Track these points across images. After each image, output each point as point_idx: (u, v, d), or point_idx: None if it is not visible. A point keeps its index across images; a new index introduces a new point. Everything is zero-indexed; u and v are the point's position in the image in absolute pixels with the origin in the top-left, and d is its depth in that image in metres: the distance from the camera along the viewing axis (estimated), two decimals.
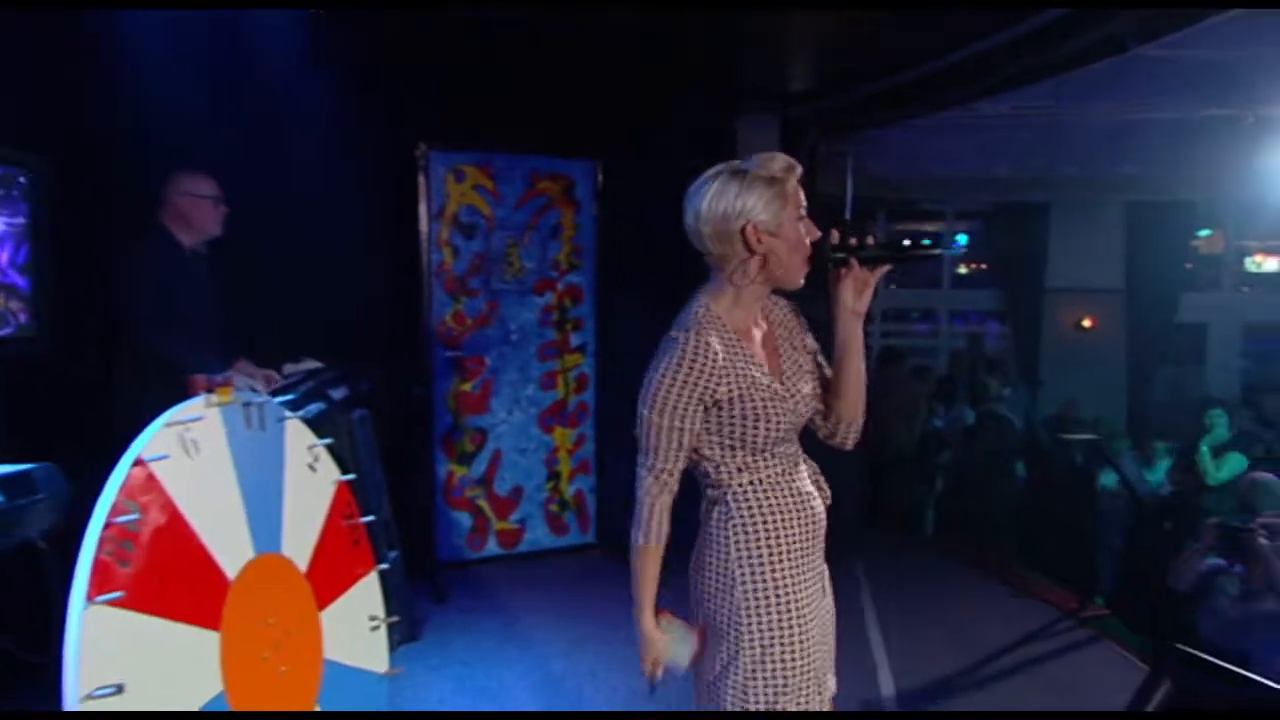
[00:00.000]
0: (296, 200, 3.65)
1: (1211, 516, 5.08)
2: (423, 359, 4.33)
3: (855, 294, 1.82)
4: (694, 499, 1.91)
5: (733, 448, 1.78)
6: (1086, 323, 8.23)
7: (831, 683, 1.90)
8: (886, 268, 1.83)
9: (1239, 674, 2.80)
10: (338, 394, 3.32)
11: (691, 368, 1.76)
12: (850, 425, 1.91)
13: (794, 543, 1.83)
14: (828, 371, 1.92)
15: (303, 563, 2.34)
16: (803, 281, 1.80)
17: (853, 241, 1.81)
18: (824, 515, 1.87)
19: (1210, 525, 3.79)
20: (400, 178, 4.24)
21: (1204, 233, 7.80)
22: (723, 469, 1.80)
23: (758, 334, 1.86)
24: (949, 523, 5.63)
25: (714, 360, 1.77)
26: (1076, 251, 7.94)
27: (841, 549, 1.84)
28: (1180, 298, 8.01)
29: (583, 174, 4.64)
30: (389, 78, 4.00)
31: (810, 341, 1.94)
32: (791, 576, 1.81)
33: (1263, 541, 3.62)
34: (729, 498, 1.80)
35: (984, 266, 8.95)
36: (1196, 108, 5.04)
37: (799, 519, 1.83)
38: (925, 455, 6.06)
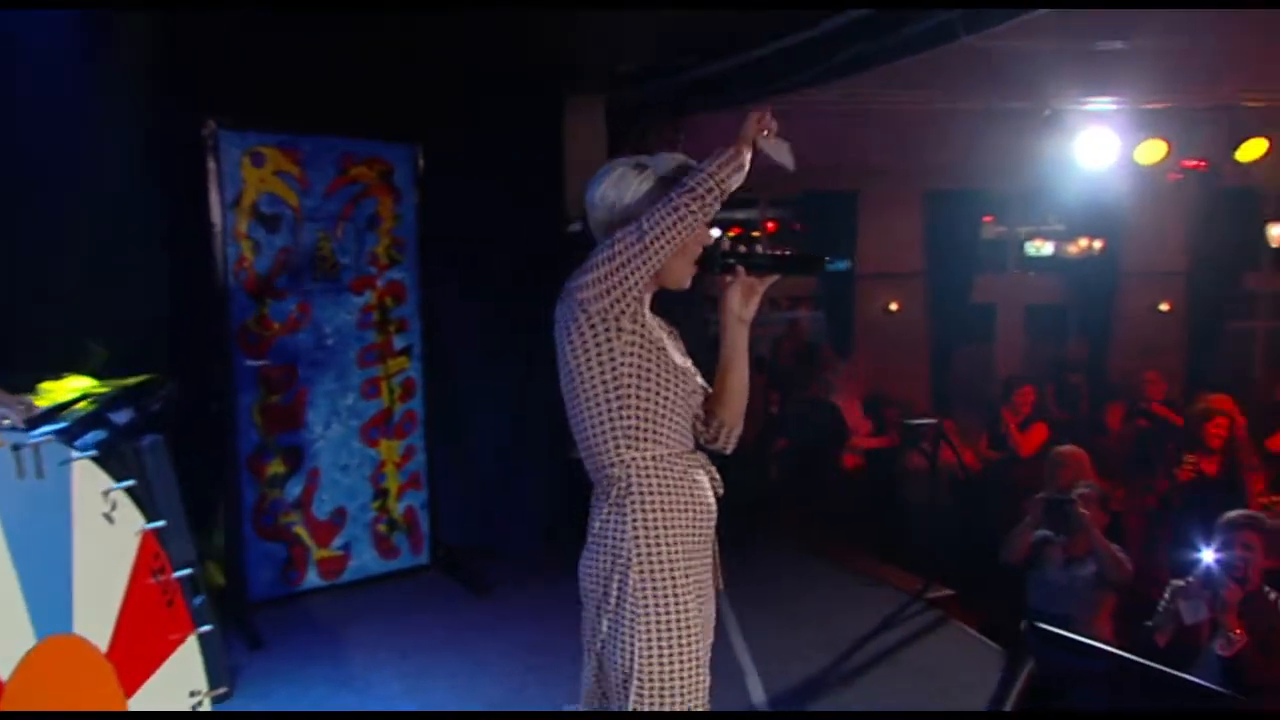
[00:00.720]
0: (59, 189, 3.08)
1: (1024, 490, 5.50)
2: (221, 371, 3.82)
3: (743, 301, 1.85)
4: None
5: (637, 416, 1.74)
6: (893, 306, 8.69)
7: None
8: (774, 277, 1.87)
9: (1094, 646, 2.98)
10: (120, 418, 2.83)
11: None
12: (731, 431, 1.93)
13: (694, 526, 1.80)
14: (705, 387, 1.92)
15: (103, 641, 1.92)
16: (689, 284, 1.82)
17: (742, 249, 1.86)
18: (715, 505, 1.86)
19: (1035, 500, 4.02)
20: (187, 162, 3.70)
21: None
22: (633, 434, 1.74)
23: (659, 330, 1.86)
24: (791, 512, 5.72)
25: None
26: (883, 237, 8.34)
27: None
28: (973, 280, 8.61)
29: (402, 158, 4.26)
30: (170, 42, 3.47)
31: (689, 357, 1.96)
32: (692, 565, 1.78)
33: (1082, 511, 3.89)
34: (634, 474, 1.74)
35: (788, 252, 9.19)
36: (1000, 99, 5.35)
37: (697, 504, 1.81)
38: (763, 445, 6.14)
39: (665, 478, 1.77)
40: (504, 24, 4.25)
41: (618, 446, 1.75)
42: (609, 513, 1.75)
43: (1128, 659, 2.81)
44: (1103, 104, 5.55)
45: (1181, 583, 3.29)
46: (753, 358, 1.95)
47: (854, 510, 5.69)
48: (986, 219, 8.69)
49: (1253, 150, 5.81)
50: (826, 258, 1.93)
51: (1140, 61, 4.86)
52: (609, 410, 1.76)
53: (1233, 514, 3.35)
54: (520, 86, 4.58)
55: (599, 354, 1.75)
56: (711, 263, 1.84)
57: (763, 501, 5.53)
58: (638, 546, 1.73)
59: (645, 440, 1.76)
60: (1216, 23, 4.31)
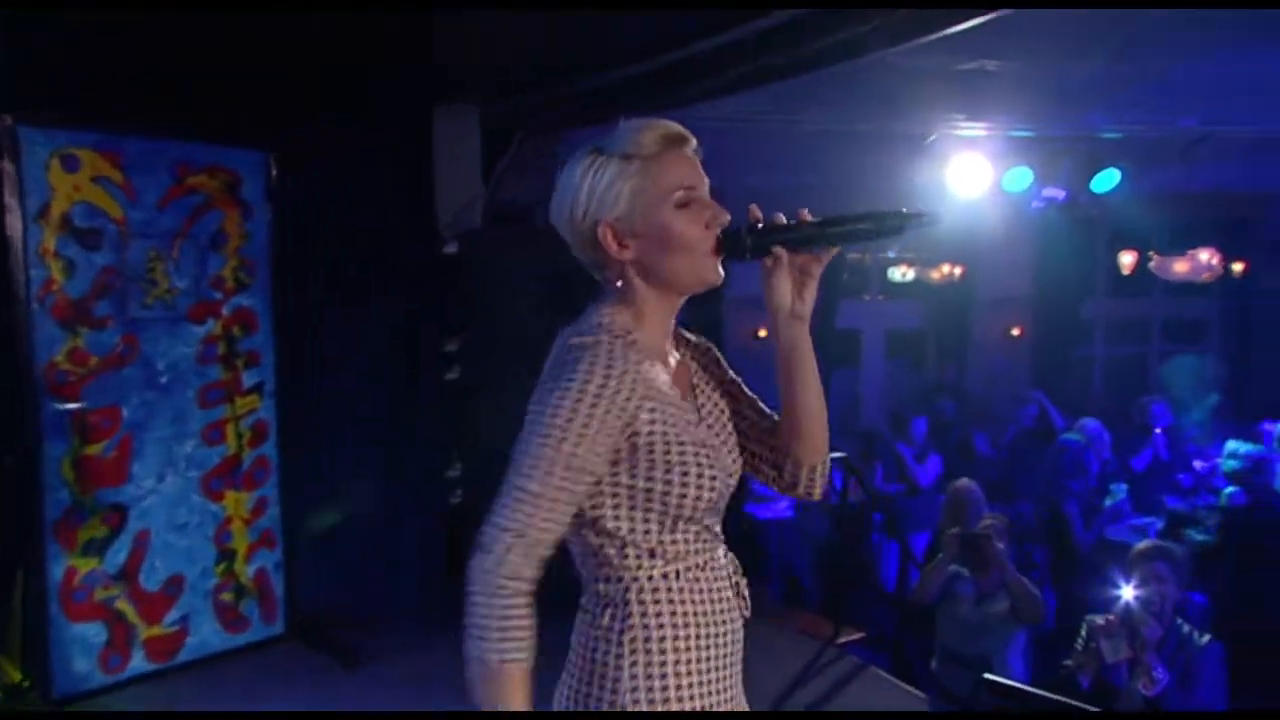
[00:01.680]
0: None
1: (922, 523, 5.49)
2: (20, 415, 3.18)
3: (795, 291, 1.41)
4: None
5: (647, 517, 1.35)
6: (762, 332, 8.68)
7: None
8: (832, 250, 1.41)
9: (1040, 695, 2.87)
10: None
11: (615, 379, 1.31)
12: (815, 470, 1.51)
13: (716, 669, 1.38)
14: (766, 410, 1.52)
15: None
16: (716, 278, 1.39)
17: (778, 220, 1.39)
18: (741, 635, 1.44)
19: (950, 536, 3.95)
20: None
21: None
22: (629, 550, 1.35)
23: (673, 365, 1.45)
24: None
25: (638, 377, 1.33)
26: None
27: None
28: (837, 305, 8.73)
29: (251, 167, 3.74)
30: None
31: (731, 376, 1.54)
32: (710, 699, 1.37)
33: (998, 545, 3.84)
34: (631, 596, 1.35)
35: None
36: (886, 121, 5.37)
37: (722, 636, 1.38)
38: None
39: (671, 600, 1.36)
40: (365, 20, 3.85)
41: (613, 562, 1.36)
42: (598, 639, 1.36)
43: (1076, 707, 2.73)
44: (975, 130, 5.66)
45: (1101, 620, 3.21)
46: None
47: (747, 551, 5.51)
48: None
49: (1106, 181, 6.10)
50: (905, 212, 1.39)
51: (1008, 87, 4.97)
52: (603, 519, 1.36)
53: (1143, 545, 3.34)
54: (385, 91, 4.16)
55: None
56: (737, 248, 1.39)
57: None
58: (635, 691, 1.33)
59: (655, 556, 1.36)
60: (1074, 50, 4.43)
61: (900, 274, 8.27)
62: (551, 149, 5.00)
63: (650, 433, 1.33)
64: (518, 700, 1.26)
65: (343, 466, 4.03)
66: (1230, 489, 4.52)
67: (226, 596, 3.74)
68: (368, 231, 4.03)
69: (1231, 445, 4.59)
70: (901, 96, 5.07)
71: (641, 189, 1.36)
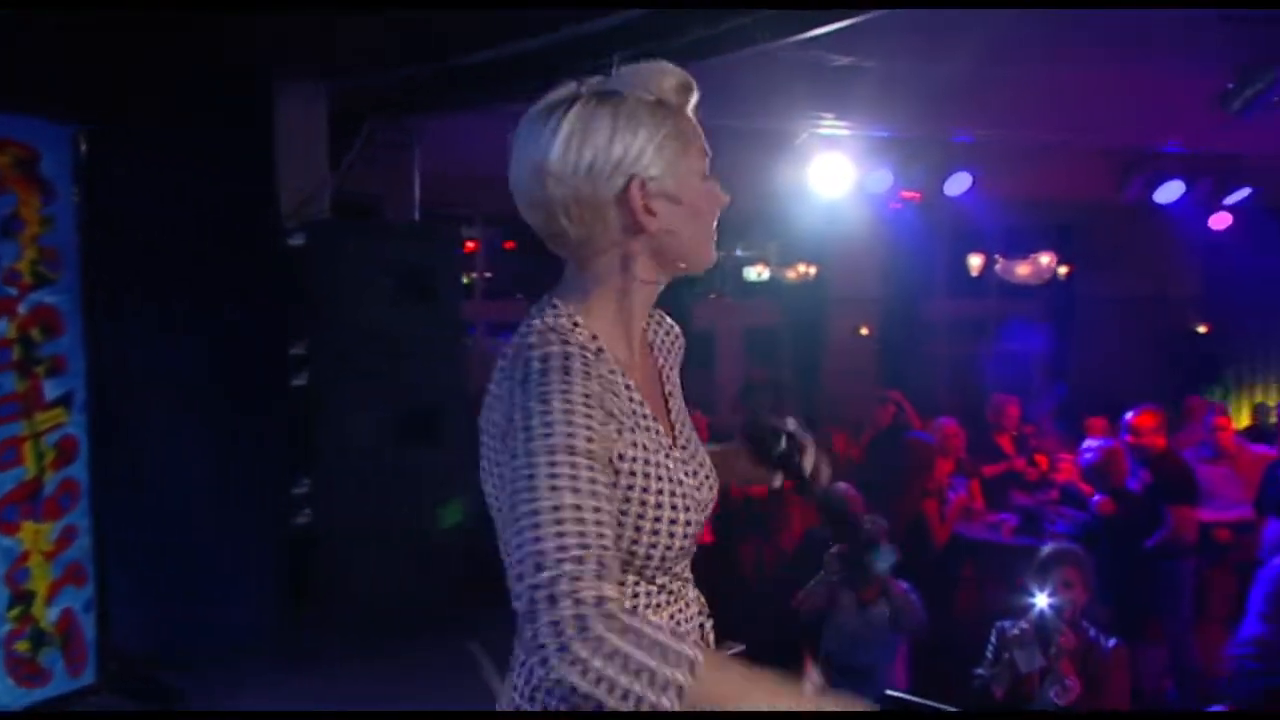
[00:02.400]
0: None
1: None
2: None
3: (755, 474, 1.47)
4: None
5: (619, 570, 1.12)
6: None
7: None
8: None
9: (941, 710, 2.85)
10: None
11: (592, 378, 1.11)
12: None
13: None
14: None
15: None
16: (714, 259, 1.28)
17: (799, 460, 1.43)
18: None
19: (831, 555, 3.93)
20: None
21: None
22: None
23: (643, 369, 1.28)
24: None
25: (607, 387, 1.14)
26: None
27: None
28: (692, 306, 8.73)
29: (52, 142, 3.23)
30: None
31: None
32: None
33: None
34: None
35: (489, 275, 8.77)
36: (756, 118, 5.33)
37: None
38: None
39: None
40: None
41: None
42: (539, 684, 1.14)
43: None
44: (838, 129, 5.74)
45: (1014, 630, 3.20)
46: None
47: None
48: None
49: (959, 184, 6.34)
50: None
51: (870, 86, 5.04)
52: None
53: (1052, 550, 3.37)
54: (218, 56, 3.73)
55: None
56: (766, 449, 1.45)
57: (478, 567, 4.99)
58: None
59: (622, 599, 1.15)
60: (931, 50, 4.53)
61: (756, 273, 8.36)
62: (405, 138, 4.67)
63: (633, 458, 1.15)
64: (733, 677, 1.03)
65: (166, 489, 3.58)
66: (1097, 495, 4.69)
67: (21, 646, 3.22)
68: (200, 220, 3.61)
69: (1089, 443, 4.82)
70: (775, 92, 5.05)
71: (680, 149, 1.20)
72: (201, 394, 3.64)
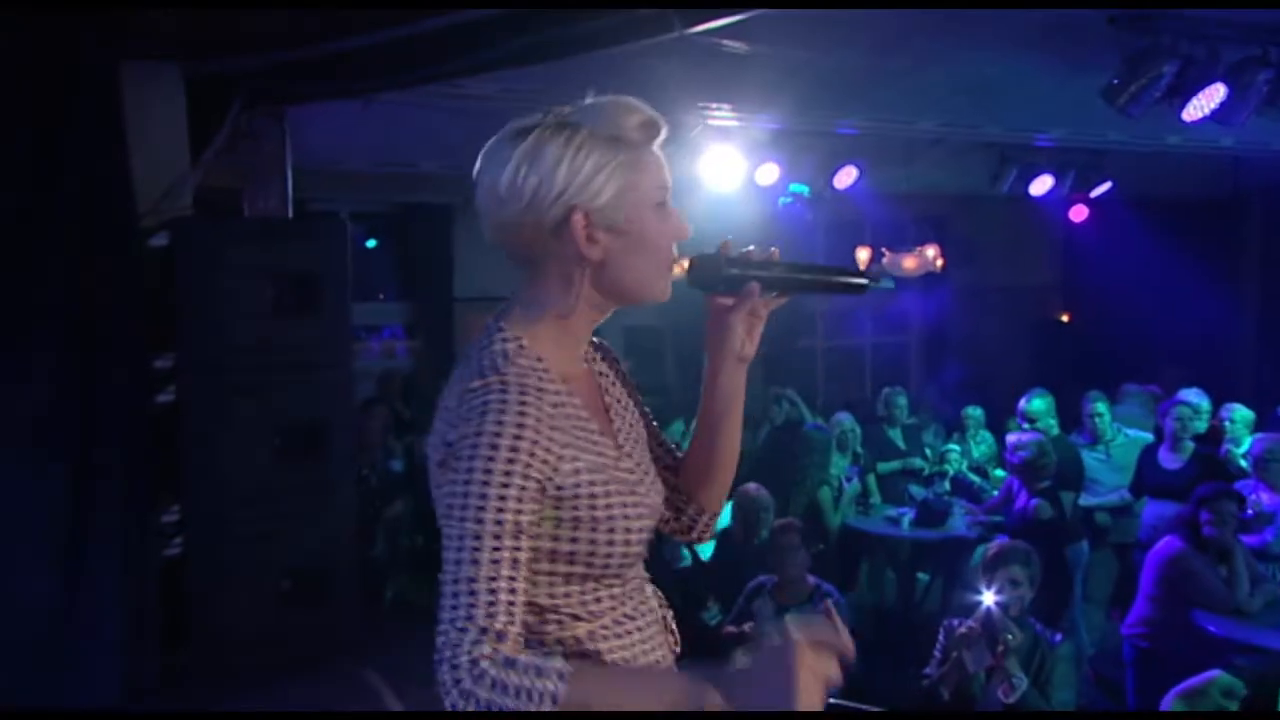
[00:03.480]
0: None
1: None
2: None
3: (746, 332, 1.44)
4: None
5: (569, 580, 1.27)
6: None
7: None
8: (782, 299, 1.46)
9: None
10: None
11: (527, 428, 1.22)
12: (714, 517, 1.53)
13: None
14: (669, 444, 1.52)
15: None
16: (669, 294, 1.38)
17: (753, 255, 1.42)
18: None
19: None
20: None
21: None
22: (550, 616, 1.27)
23: (587, 386, 1.40)
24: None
25: (554, 420, 1.26)
26: (483, 258, 7.97)
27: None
28: None
29: None
30: None
31: (636, 395, 1.51)
32: None
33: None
34: None
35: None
36: (656, 109, 5.26)
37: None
38: (371, 509, 5.33)
39: (604, 656, 1.29)
40: None
41: (530, 626, 1.26)
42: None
43: None
44: (729, 120, 5.75)
45: (961, 629, 3.24)
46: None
47: None
48: None
49: (846, 177, 6.49)
50: (869, 278, 1.50)
51: (766, 73, 5.07)
52: (535, 577, 1.25)
53: (998, 548, 3.44)
54: (52, 39, 3.38)
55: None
56: (709, 274, 1.40)
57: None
58: None
59: (579, 620, 1.28)
60: (829, 40, 4.58)
61: None
62: (273, 127, 4.36)
63: (576, 485, 1.25)
64: (614, 682, 1.23)
65: (14, 526, 3.21)
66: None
67: None
68: (43, 219, 3.25)
69: (1014, 438, 4.94)
70: (669, 80, 5.00)
71: (631, 183, 1.29)
72: (52, 415, 3.28)
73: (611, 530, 1.27)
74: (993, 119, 5.78)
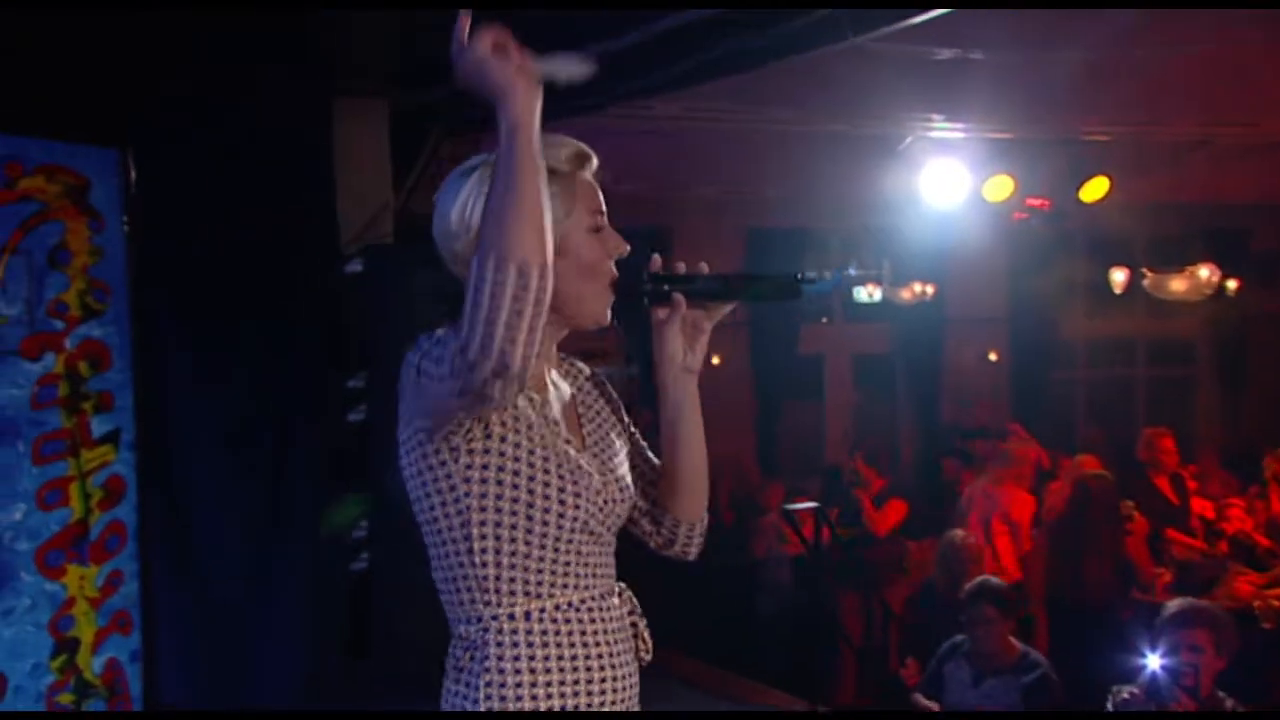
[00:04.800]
0: None
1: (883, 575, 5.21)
2: None
3: (686, 343, 1.52)
4: None
5: (514, 536, 1.37)
6: (714, 359, 8.42)
7: None
8: (727, 306, 1.52)
9: None
10: None
11: None
12: (694, 528, 1.61)
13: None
14: (655, 461, 1.61)
15: None
16: (607, 317, 1.48)
17: (677, 269, 1.50)
18: (637, 682, 1.48)
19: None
20: None
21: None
22: (489, 585, 1.37)
23: (555, 396, 1.50)
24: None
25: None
26: None
27: None
28: (799, 330, 8.53)
29: (101, 168, 3.32)
30: None
31: (625, 419, 1.62)
32: None
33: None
34: (490, 638, 1.37)
35: None
36: (859, 122, 5.14)
37: (599, 683, 1.40)
38: None
39: (543, 643, 1.37)
40: None
41: (473, 600, 1.39)
42: (455, 685, 1.40)
43: None
44: (950, 131, 5.47)
45: (1125, 694, 3.03)
46: None
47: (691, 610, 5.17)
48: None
49: (1095, 190, 5.96)
50: (801, 275, 1.50)
51: (989, 80, 4.78)
52: (458, 552, 1.39)
53: (1178, 606, 3.12)
54: (273, 73, 3.78)
55: (434, 475, 1.39)
56: (634, 291, 1.48)
57: None
58: None
59: (513, 593, 1.38)
60: (1055, 35, 4.21)
61: (866, 294, 8.08)
62: (470, 149, 4.66)
63: (503, 437, 1.37)
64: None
65: (216, 530, 3.61)
66: None
67: (66, 698, 3.27)
68: (252, 246, 3.64)
69: None
70: (875, 91, 4.85)
71: (564, 208, 1.40)
72: (252, 430, 3.66)
73: (548, 487, 1.37)
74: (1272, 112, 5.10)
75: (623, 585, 1.51)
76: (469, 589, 1.39)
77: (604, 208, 1.46)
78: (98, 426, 3.34)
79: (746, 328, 8.39)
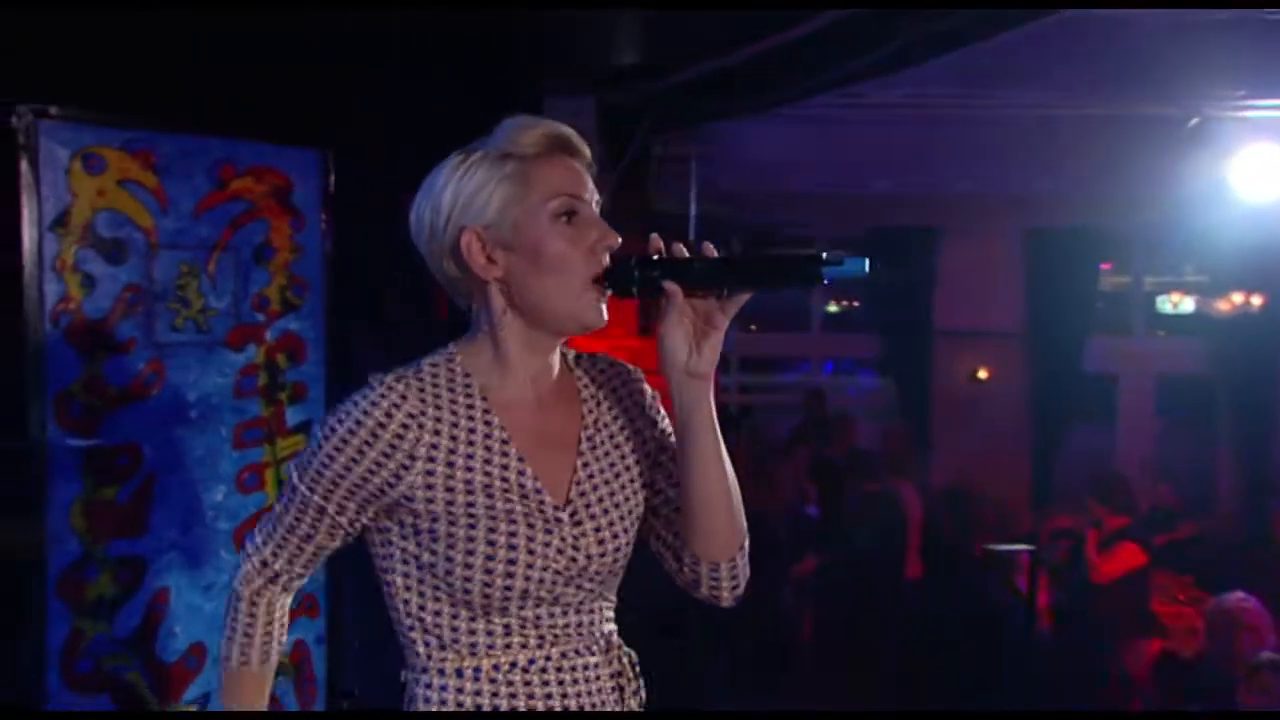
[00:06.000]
0: None
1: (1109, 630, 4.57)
2: (26, 451, 3.12)
3: (690, 341, 1.38)
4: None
5: (437, 597, 1.36)
6: (983, 373, 7.86)
7: None
8: (742, 297, 1.37)
9: None
10: None
11: (370, 432, 1.35)
12: (718, 568, 1.45)
13: None
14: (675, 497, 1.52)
15: None
16: (595, 318, 1.38)
17: (678, 253, 1.37)
18: None
19: None
20: None
21: None
22: (418, 635, 1.38)
23: (541, 416, 1.44)
24: (828, 653, 4.84)
25: (416, 436, 1.35)
26: (971, 287, 7.56)
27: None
28: (1086, 343, 7.76)
29: (304, 168, 3.56)
30: None
31: (659, 431, 1.51)
32: None
33: None
34: (419, 691, 1.38)
35: (856, 304, 8.62)
36: (1131, 103, 4.53)
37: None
38: (789, 557, 5.25)
39: (475, 703, 1.33)
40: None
41: (406, 648, 1.43)
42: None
43: None
44: (1266, 110, 4.68)
45: None
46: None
47: (921, 653, 4.79)
48: (1105, 265, 7.89)
49: None
50: (824, 256, 1.36)
51: None
52: (393, 606, 1.43)
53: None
54: (480, 73, 3.90)
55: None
56: (622, 280, 1.38)
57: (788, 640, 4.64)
58: None
59: (443, 648, 1.35)
60: None
61: (1172, 304, 7.18)
62: (684, 149, 4.59)
63: (429, 499, 1.31)
64: (248, 699, 1.46)
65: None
66: None
67: None
68: None
69: None
70: (1161, 63, 4.25)
71: (515, 194, 1.37)
72: None
73: (471, 555, 1.30)
74: None
75: (618, 643, 1.42)
76: (403, 638, 1.42)
77: (585, 194, 1.37)
78: (292, 416, 3.59)
79: (1020, 339, 7.76)
